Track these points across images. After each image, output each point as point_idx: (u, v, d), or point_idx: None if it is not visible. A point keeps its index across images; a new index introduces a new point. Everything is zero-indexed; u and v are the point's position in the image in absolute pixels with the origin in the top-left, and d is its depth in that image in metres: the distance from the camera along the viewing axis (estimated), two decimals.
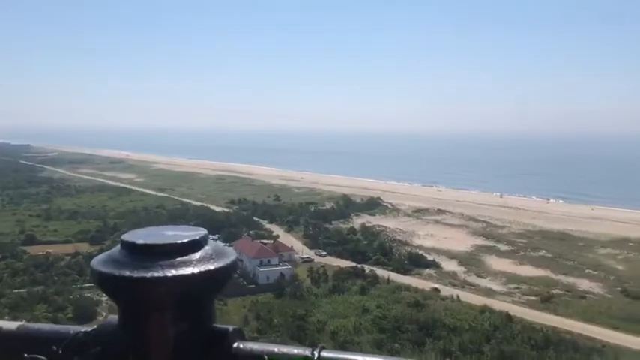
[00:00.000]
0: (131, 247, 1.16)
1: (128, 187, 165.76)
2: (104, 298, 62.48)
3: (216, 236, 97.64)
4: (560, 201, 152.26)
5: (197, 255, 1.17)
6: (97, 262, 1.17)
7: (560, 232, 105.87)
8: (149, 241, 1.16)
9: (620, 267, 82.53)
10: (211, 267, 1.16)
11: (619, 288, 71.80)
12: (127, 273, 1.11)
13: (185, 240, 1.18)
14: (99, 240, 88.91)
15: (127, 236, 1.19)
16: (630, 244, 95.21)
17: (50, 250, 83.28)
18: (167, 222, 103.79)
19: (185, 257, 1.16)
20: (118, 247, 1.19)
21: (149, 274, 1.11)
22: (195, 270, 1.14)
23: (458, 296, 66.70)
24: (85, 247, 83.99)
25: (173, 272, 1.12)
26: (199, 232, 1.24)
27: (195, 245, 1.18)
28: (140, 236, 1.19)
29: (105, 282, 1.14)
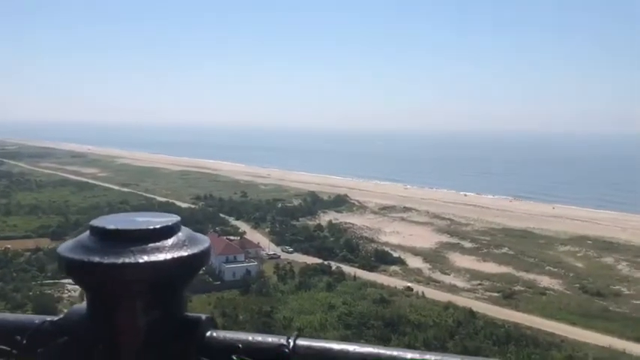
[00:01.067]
0: (101, 233, 1.10)
1: (91, 181, 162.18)
2: (65, 294, 61.17)
3: None
4: (523, 200, 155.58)
5: (170, 241, 1.12)
6: (64, 249, 1.11)
7: (522, 229, 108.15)
8: (120, 227, 1.11)
9: (579, 264, 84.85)
10: (184, 254, 1.11)
11: (578, 285, 73.81)
12: (97, 259, 1.06)
13: (157, 226, 1.13)
14: (60, 235, 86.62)
15: (97, 222, 1.14)
16: (589, 242, 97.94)
17: (9, 246, 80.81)
18: None
19: (158, 243, 1.10)
20: (87, 233, 1.13)
21: (120, 260, 1.06)
22: (168, 256, 1.09)
23: (423, 293, 67.56)
24: (45, 243, 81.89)
25: (145, 258, 1.07)
26: (172, 218, 1.19)
27: (167, 231, 1.14)
28: (110, 222, 1.13)
29: (74, 269, 1.08)
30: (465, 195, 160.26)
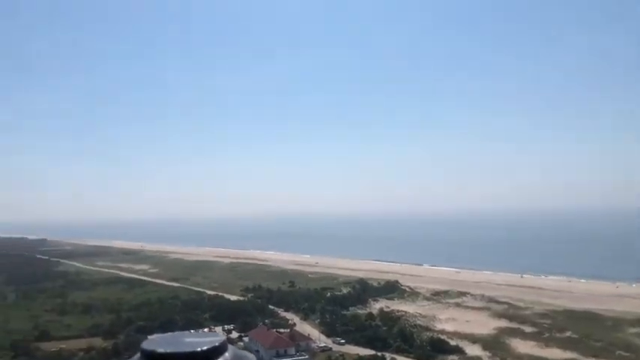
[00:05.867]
0: (150, 357, 1.15)
1: (142, 278, 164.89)
2: None
3: (231, 326, 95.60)
4: (582, 280, 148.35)
5: None
6: None
7: (585, 311, 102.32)
8: (169, 350, 1.15)
9: None
10: None
11: None
12: None
13: (205, 347, 1.18)
14: (112, 334, 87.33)
15: (147, 344, 1.18)
16: None
17: (63, 346, 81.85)
18: (180, 312, 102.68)
19: None
20: (138, 355, 1.17)
21: None
22: None
23: None
24: (97, 342, 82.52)
25: None
26: (218, 338, 1.25)
27: (214, 353, 1.17)
28: (160, 344, 1.17)
29: None
30: (522, 277, 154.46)
